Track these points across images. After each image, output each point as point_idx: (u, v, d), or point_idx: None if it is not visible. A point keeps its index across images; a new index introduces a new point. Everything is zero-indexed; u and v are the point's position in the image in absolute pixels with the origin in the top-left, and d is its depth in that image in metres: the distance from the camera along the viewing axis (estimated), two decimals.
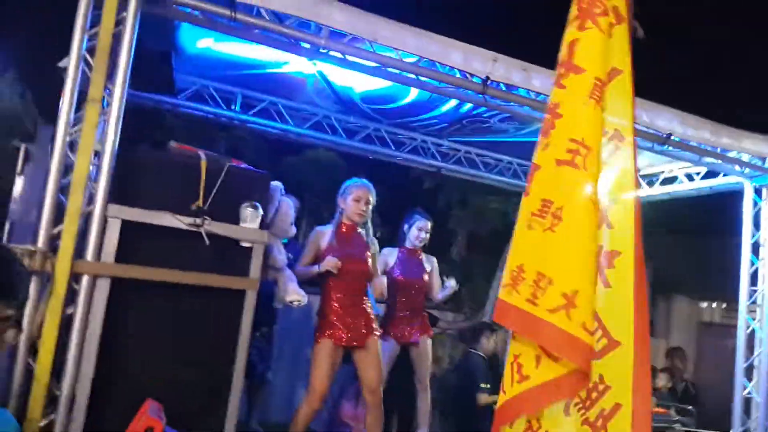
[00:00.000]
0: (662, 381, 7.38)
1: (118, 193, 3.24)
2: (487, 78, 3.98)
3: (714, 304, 10.74)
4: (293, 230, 4.01)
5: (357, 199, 4.08)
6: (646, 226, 7.26)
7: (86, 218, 3.12)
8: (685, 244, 9.11)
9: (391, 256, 5.05)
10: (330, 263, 3.92)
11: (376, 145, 6.01)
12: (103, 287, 3.12)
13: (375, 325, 4.17)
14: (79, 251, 3.07)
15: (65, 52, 3.10)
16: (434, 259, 5.23)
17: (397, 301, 4.95)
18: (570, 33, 2.61)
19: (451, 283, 5.09)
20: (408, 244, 5.11)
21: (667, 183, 6.19)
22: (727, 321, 10.89)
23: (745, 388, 5.32)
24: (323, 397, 3.94)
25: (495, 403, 6.06)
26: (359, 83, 4.87)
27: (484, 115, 5.12)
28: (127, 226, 3.18)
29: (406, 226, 5.15)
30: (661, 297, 10.35)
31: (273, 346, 5.69)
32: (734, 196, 6.24)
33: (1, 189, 3.84)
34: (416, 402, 5.00)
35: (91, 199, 3.15)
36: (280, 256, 3.90)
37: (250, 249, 3.47)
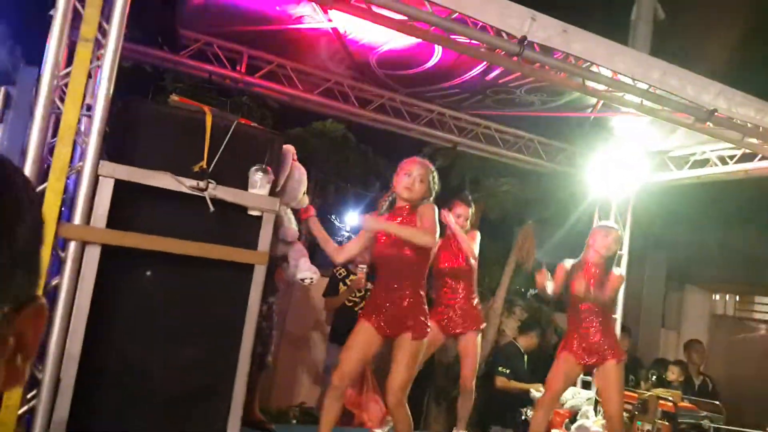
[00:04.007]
0: (674, 374, 7.07)
1: (111, 150, 2.87)
2: (524, 38, 3.59)
3: (728, 296, 10.42)
4: (306, 200, 3.63)
5: (400, 172, 3.61)
6: (661, 214, 6.92)
7: (75, 177, 2.74)
8: (699, 233, 8.77)
9: None
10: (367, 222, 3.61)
11: (390, 116, 5.60)
12: (93, 255, 2.74)
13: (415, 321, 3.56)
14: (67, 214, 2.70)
15: None
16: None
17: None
18: None
19: None
20: None
21: (698, 166, 5.82)
22: (741, 314, 10.60)
23: None
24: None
25: (509, 388, 6.05)
26: (377, 44, 4.47)
27: (511, 85, 4.73)
28: (120, 187, 2.81)
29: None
30: (673, 288, 10.03)
31: (273, 325, 5.29)
32: (747, 184, 5.94)
33: None
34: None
35: (80, 155, 2.77)
36: (292, 227, 3.53)
37: (259, 218, 3.09)
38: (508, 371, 6.28)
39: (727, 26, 7.94)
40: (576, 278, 4.32)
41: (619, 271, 4.58)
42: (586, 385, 5.86)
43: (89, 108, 2.84)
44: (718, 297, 10.44)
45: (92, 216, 2.74)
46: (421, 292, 3.54)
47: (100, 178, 2.76)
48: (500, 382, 6.31)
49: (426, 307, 3.56)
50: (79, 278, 2.71)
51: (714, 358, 8.66)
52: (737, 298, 10.40)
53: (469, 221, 4.78)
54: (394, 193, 3.65)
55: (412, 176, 3.57)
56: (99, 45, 2.88)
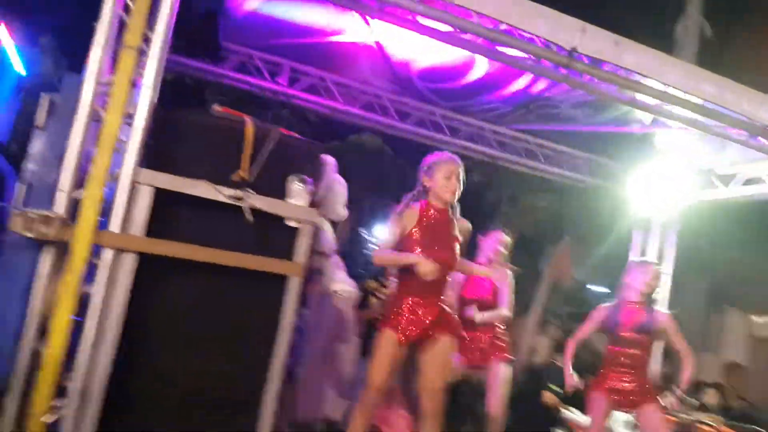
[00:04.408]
0: (710, 397, 6.81)
1: (150, 158, 2.82)
2: (574, 50, 3.48)
3: None
4: (345, 213, 3.56)
5: (448, 175, 3.34)
6: (703, 235, 6.67)
7: (114, 184, 2.71)
8: (740, 254, 8.50)
9: None
10: (425, 268, 3.31)
11: (430, 130, 5.53)
12: (128, 263, 2.69)
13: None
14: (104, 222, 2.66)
15: None
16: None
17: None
18: None
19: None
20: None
21: (747, 184, 5.62)
22: None
23: None
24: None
25: (557, 407, 5.84)
26: (419, 57, 4.41)
27: (557, 99, 4.62)
28: (159, 194, 2.76)
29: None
30: (713, 310, 9.72)
31: (304, 336, 5.18)
32: None
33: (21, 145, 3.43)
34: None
35: (119, 162, 2.73)
36: (328, 239, 3.45)
37: (296, 229, 3.02)
38: (560, 391, 6.05)
39: None
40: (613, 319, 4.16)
41: (664, 312, 4.32)
42: None
43: (130, 116, 2.81)
44: (760, 319, 10.11)
45: (129, 223, 2.70)
46: None
47: (139, 185, 2.71)
48: (550, 399, 5.95)
49: None
50: (112, 286, 2.65)
51: (754, 382, 8.36)
52: None
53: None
54: (426, 190, 3.40)
55: (460, 181, 3.36)
56: (142, 54, 2.86)
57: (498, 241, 4.55)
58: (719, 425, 4.90)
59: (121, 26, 2.79)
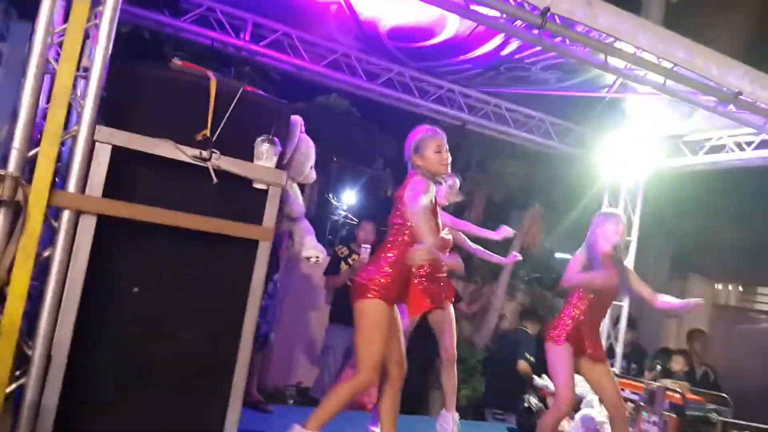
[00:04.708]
0: (678, 364, 6.93)
1: (109, 114, 2.68)
2: (548, 9, 3.41)
3: (730, 287, 10.32)
4: (313, 175, 3.46)
5: (438, 149, 3.26)
6: (669, 202, 6.74)
7: (70, 142, 2.57)
8: (704, 222, 8.64)
9: None
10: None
11: (398, 91, 5.41)
12: (88, 226, 2.57)
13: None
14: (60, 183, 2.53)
15: None
16: None
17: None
18: None
19: None
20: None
21: (714, 152, 5.66)
22: (743, 304, 10.50)
23: None
24: None
25: (530, 375, 5.88)
26: (389, 14, 4.28)
27: (527, 61, 4.55)
28: (118, 154, 2.62)
29: None
30: (676, 276, 9.91)
31: (277, 303, 5.11)
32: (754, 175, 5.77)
33: None
34: (440, 378, 4.41)
35: (76, 120, 2.59)
36: (297, 202, 3.35)
37: (265, 192, 2.91)
38: (533, 359, 6.10)
39: (743, 11, 7.73)
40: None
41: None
42: None
43: (86, 70, 2.65)
44: (721, 287, 10.34)
45: (88, 184, 2.57)
46: None
47: (97, 144, 2.58)
48: (524, 367, 6.12)
49: None
50: (73, 249, 2.53)
51: (715, 348, 8.57)
52: (740, 288, 10.30)
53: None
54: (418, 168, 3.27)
55: (448, 151, 3.29)
56: (97, 3, 2.70)
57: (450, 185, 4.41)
58: (686, 391, 4.97)
59: None
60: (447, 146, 3.30)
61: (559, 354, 3.84)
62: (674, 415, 4.72)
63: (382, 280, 3.08)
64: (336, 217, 9.48)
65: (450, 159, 3.31)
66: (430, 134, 3.30)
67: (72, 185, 2.52)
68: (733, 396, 5.28)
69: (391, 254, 3.13)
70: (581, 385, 5.22)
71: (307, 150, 3.37)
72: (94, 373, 2.66)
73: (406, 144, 3.37)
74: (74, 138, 2.55)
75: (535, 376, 5.72)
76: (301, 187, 3.82)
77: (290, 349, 6.66)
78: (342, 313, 5.78)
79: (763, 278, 9.71)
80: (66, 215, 2.52)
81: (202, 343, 2.82)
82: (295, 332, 6.68)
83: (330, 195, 9.40)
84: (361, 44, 4.96)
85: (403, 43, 4.72)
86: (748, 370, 8.11)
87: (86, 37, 2.66)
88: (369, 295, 3.05)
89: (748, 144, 5.37)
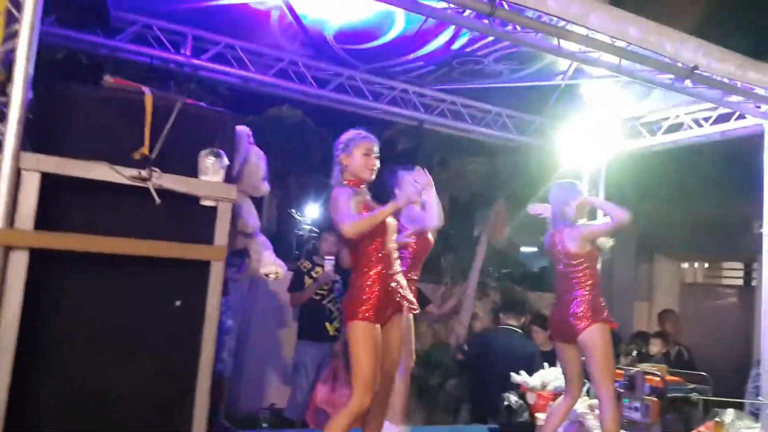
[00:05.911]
0: (656, 347, 6.90)
1: (37, 140, 2.46)
2: None
3: (696, 265, 10.40)
4: (266, 187, 3.28)
5: (367, 152, 3.23)
6: (630, 184, 6.72)
7: None
8: (666, 202, 8.67)
9: None
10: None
11: (351, 96, 5.26)
12: (20, 262, 2.35)
13: None
14: None
15: None
16: None
17: None
18: None
19: None
20: None
21: (672, 131, 5.63)
22: (710, 281, 10.59)
23: None
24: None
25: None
26: (333, 15, 4.13)
27: (479, 53, 4.44)
28: (48, 181, 2.41)
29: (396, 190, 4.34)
30: (643, 259, 9.93)
31: (227, 330, 4.74)
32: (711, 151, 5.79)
33: None
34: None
35: None
36: (251, 217, 3.17)
37: (214, 209, 2.73)
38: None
39: None
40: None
41: None
42: None
43: (6, 95, 2.44)
44: (687, 265, 10.41)
45: (16, 216, 2.35)
46: None
47: (23, 172, 2.36)
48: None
49: None
50: (4, 289, 2.31)
51: (685, 326, 8.59)
52: (706, 265, 10.39)
53: None
54: (344, 169, 3.27)
55: (377, 159, 3.29)
56: (13, 20, 2.49)
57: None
58: (664, 373, 4.91)
59: None
60: (378, 154, 3.28)
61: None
62: (655, 399, 4.66)
63: (365, 304, 3.08)
64: (301, 232, 9.27)
65: (377, 167, 3.28)
66: (362, 136, 3.28)
67: None
68: (704, 372, 5.25)
69: (373, 272, 3.15)
70: (561, 378, 5.11)
71: (257, 161, 3.19)
72: (37, 415, 2.44)
73: (335, 143, 3.34)
74: None
75: (512, 373, 5.58)
76: (258, 201, 3.63)
77: (260, 370, 6.44)
78: (311, 329, 5.58)
79: (727, 254, 9.80)
80: None
81: (156, 375, 2.62)
82: (264, 353, 6.47)
83: (292, 210, 9.19)
84: (309, 50, 4.79)
85: (351, 45, 4.57)
86: (716, 345, 8.14)
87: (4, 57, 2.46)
88: (356, 318, 3.06)
89: (706, 120, 5.34)
